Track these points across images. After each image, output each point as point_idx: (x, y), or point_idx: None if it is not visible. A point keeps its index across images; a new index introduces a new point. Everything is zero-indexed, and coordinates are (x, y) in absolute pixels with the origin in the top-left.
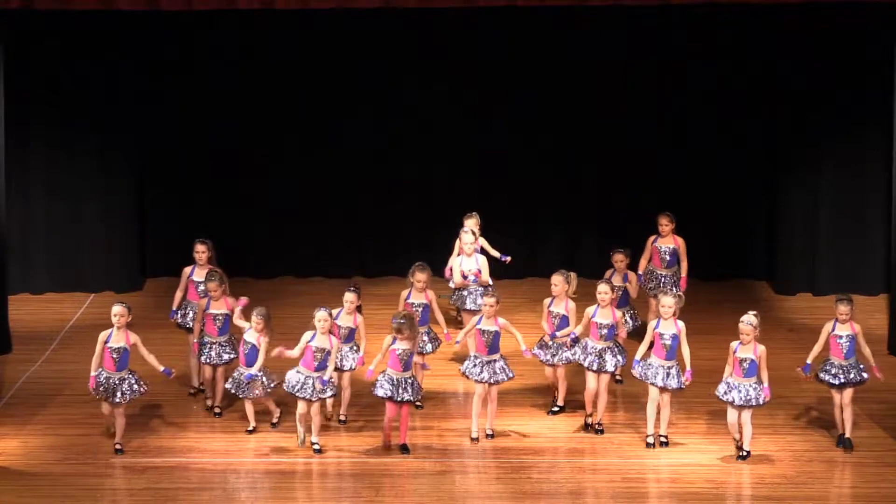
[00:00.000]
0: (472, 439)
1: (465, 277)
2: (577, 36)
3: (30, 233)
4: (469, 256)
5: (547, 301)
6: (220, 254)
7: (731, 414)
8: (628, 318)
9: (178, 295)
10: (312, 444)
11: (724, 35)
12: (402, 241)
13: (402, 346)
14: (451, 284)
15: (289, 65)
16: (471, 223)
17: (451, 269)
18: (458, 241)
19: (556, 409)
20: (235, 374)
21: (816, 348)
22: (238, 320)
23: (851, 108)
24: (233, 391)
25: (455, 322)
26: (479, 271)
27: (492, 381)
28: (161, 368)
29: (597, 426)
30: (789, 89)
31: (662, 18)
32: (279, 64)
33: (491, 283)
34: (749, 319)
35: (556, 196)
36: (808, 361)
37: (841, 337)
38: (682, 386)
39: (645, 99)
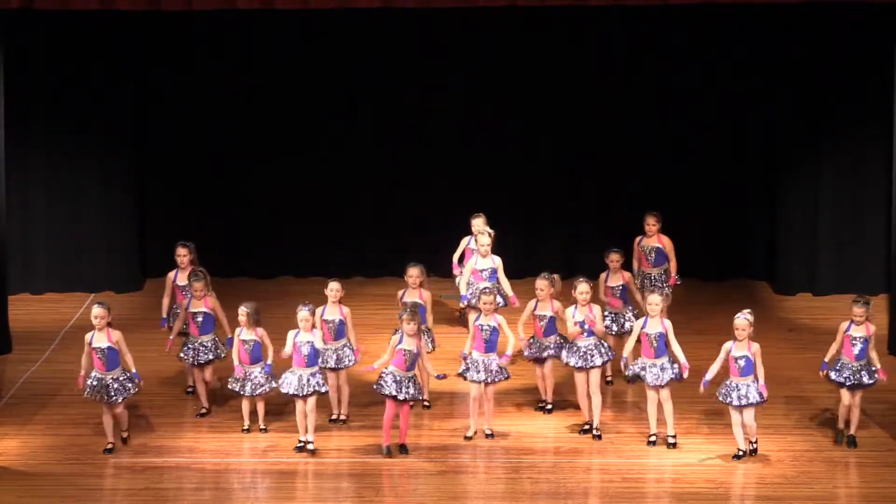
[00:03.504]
0: (466, 437)
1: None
2: (578, 36)
3: (30, 233)
4: (484, 257)
5: (531, 304)
6: (221, 254)
7: (734, 415)
8: (624, 314)
9: (166, 301)
10: (308, 443)
11: (724, 35)
12: (401, 241)
13: (408, 345)
14: (457, 283)
15: (289, 65)
16: (479, 223)
17: (458, 268)
18: (464, 241)
19: (549, 407)
20: (238, 374)
21: (834, 347)
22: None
23: (851, 108)
24: (237, 390)
25: (452, 321)
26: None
27: (488, 380)
28: (132, 370)
29: (595, 433)
30: (789, 89)
31: (662, 18)
32: (279, 64)
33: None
34: (745, 315)
35: (556, 196)
36: (826, 360)
37: (855, 338)
38: (680, 377)
39: (645, 99)
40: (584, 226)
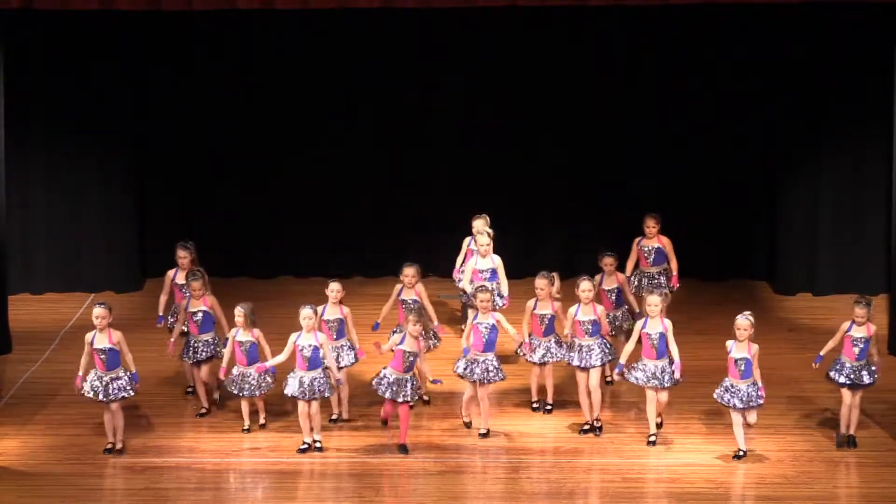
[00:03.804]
0: (466, 424)
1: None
2: (577, 36)
3: (30, 233)
4: (484, 257)
5: (531, 303)
6: (221, 254)
7: (734, 416)
8: (619, 316)
9: (163, 299)
10: (315, 441)
11: (724, 35)
12: (401, 241)
13: (408, 346)
14: (460, 285)
15: (289, 65)
16: (480, 224)
17: (459, 271)
18: (465, 242)
19: (549, 407)
20: (235, 374)
21: (831, 343)
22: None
23: (851, 108)
24: (234, 391)
25: (452, 321)
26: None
27: (483, 380)
28: (132, 370)
29: (595, 424)
30: (789, 89)
31: (662, 18)
32: (279, 64)
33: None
34: (747, 316)
35: (556, 196)
36: (821, 354)
37: (856, 339)
38: (677, 381)
39: (645, 99)
40: (584, 226)
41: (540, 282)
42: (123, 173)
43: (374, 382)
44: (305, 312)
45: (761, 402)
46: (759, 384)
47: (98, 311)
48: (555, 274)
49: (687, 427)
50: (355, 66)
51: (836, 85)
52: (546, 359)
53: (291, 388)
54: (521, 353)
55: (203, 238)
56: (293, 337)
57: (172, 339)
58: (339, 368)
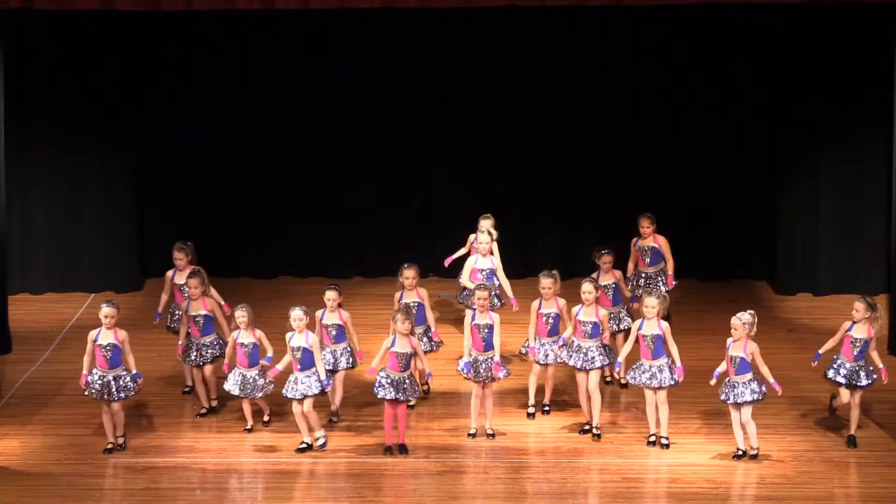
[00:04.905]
0: (469, 435)
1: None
2: (577, 36)
3: (30, 233)
4: (484, 256)
5: (535, 304)
6: (221, 254)
7: (733, 414)
8: (613, 319)
9: (164, 298)
10: (316, 440)
11: (725, 35)
12: (402, 241)
13: (401, 347)
14: (461, 282)
15: (289, 65)
16: (486, 224)
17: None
18: (469, 238)
19: (546, 408)
20: (235, 374)
21: (831, 342)
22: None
23: (851, 108)
24: (235, 392)
25: (453, 321)
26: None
27: (486, 378)
28: (133, 371)
29: (594, 429)
30: (789, 89)
31: (662, 18)
32: (279, 64)
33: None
34: (740, 316)
35: (556, 196)
36: (820, 352)
37: (855, 339)
38: (675, 381)
39: (645, 99)
40: (584, 226)
41: (545, 281)
42: (123, 173)
43: (375, 391)
44: (295, 314)
45: (756, 397)
46: (772, 381)
47: (107, 310)
48: (555, 272)
49: (687, 427)
50: (355, 66)
51: (835, 85)
52: (550, 360)
53: (285, 388)
54: (525, 354)
55: (203, 238)
56: (287, 338)
57: (181, 342)
58: (335, 371)
